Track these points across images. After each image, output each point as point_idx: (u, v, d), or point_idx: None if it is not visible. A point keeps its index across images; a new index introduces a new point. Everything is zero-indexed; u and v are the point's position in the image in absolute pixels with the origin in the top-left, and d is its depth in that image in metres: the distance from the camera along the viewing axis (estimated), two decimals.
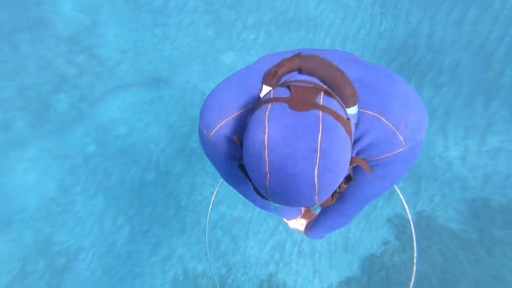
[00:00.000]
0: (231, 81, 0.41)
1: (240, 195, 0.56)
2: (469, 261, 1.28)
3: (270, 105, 0.31)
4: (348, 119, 0.33)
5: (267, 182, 0.30)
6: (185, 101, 1.70)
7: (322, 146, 0.28)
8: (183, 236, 1.59)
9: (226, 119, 0.39)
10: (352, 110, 0.36)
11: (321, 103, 0.31)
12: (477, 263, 1.27)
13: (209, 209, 0.70)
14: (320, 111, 0.30)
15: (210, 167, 1.68)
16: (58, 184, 1.62)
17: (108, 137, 1.68)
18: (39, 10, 1.74)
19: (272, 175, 0.29)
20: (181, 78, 1.71)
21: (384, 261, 1.34)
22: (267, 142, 0.29)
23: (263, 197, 0.33)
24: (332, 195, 0.34)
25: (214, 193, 0.75)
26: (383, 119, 0.36)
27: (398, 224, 1.38)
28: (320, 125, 0.29)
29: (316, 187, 0.29)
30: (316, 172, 0.28)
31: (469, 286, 1.24)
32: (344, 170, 0.31)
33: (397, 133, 0.36)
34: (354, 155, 0.38)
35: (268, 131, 0.29)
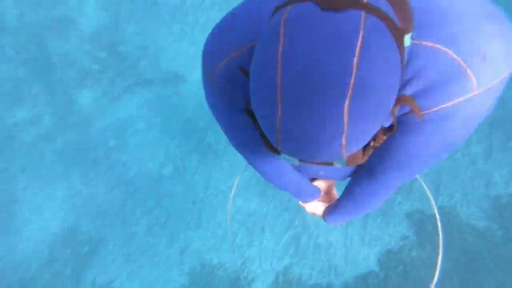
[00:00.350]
0: (244, 8, 0.31)
1: (255, 173, 0.48)
2: (493, 260, 1.23)
3: (289, 6, 0.21)
4: (403, 28, 0.22)
5: (278, 117, 0.21)
6: (201, 97, 1.72)
7: (361, 62, 0.19)
8: (200, 229, 1.63)
9: (233, 54, 0.29)
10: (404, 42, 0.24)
11: (365, 1, 0.20)
12: (502, 263, 1.22)
13: (232, 195, 0.71)
14: (363, 12, 0.20)
15: (226, 162, 1.71)
16: (82, 176, 1.70)
17: (128, 132, 1.74)
18: (65, 10, 1.82)
19: (285, 105, 0.20)
20: (198, 74, 1.75)
21: (402, 257, 1.32)
22: (281, 55, 0.20)
23: (273, 150, 0.25)
24: (364, 149, 0.25)
25: (236, 182, 0.75)
26: (449, 51, 0.25)
27: (417, 220, 1.34)
28: (361, 31, 0.19)
29: (345, 125, 0.20)
30: (347, 102, 0.19)
31: (492, 285, 1.20)
32: (387, 105, 0.21)
33: (468, 71, 0.25)
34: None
35: (283, 41, 0.20)
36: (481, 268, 1.23)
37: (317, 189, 0.55)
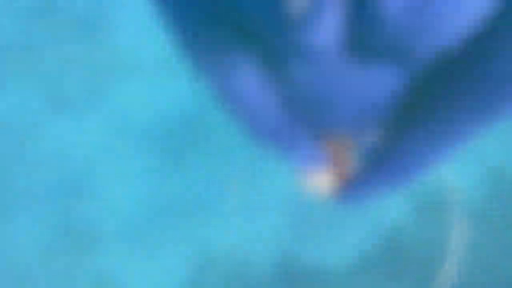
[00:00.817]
0: None
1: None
2: (490, 234, 1.26)
3: None
4: None
5: None
6: (201, 84, 1.70)
7: None
8: (201, 220, 1.61)
9: None
10: None
11: None
12: (500, 235, 1.25)
13: (234, 185, 0.68)
14: None
15: (226, 152, 1.69)
16: (80, 170, 1.65)
17: (126, 124, 1.69)
18: None
19: None
20: None
21: (404, 236, 1.33)
22: None
23: None
24: None
25: (238, 172, 0.72)
26: None
27: (419, 200, 1.36)
28: None
29: None
30: None
31: (489, 261, 1.22)
32: None
33: None
34: None
35: None
36: (479, 244, 1.25)
37: (317, 150, 0.37)
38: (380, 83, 0.19)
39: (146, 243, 1.50)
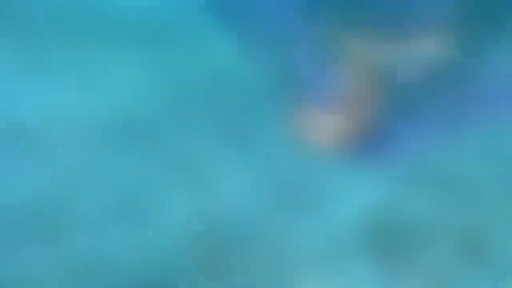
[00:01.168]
0: None
1: None
2: (482, 213, 1.25)
3: None
4: None
5: None
6: (201, 58, 1.67)
7: None
8: (195, 191, 1.62)
9: None
10: None
11: None
12: (492, 215, 1.24)
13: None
14: None
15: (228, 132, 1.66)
16: (58, 147, 1.65)
17: (120, 116, 1.67)
18: None
19: None
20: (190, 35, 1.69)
21: (393, 216, 1.33)
22: None
23: None
24: None
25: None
26: None
27: (409, 176, 1.35)
28: None
29: None
30: None
31: (481, 241, 1.22)
32: None
33: None
34: None
35: None
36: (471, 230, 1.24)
37: (336, 81, 0.30)
38: None
39: (137, 213, 1.50)
